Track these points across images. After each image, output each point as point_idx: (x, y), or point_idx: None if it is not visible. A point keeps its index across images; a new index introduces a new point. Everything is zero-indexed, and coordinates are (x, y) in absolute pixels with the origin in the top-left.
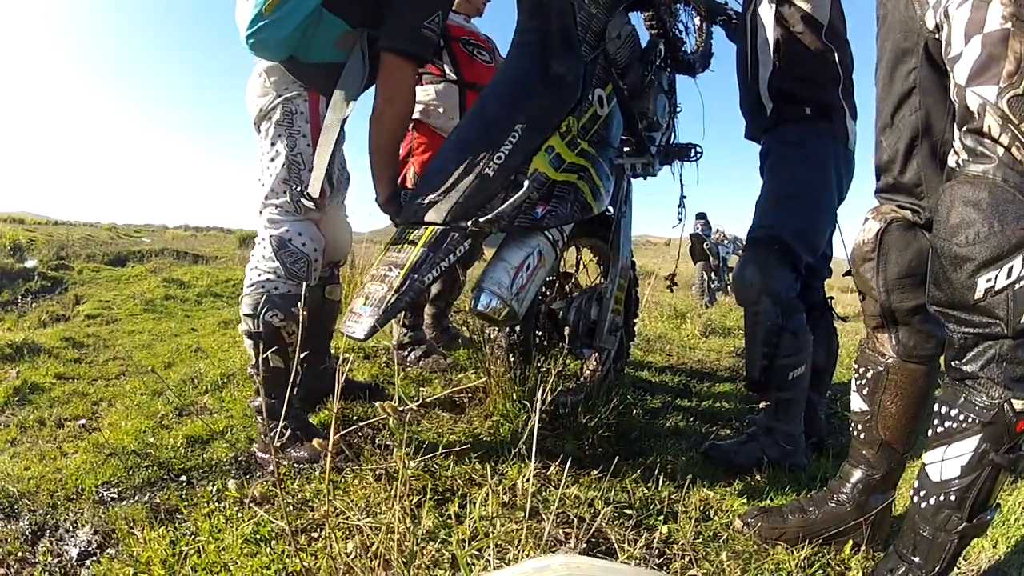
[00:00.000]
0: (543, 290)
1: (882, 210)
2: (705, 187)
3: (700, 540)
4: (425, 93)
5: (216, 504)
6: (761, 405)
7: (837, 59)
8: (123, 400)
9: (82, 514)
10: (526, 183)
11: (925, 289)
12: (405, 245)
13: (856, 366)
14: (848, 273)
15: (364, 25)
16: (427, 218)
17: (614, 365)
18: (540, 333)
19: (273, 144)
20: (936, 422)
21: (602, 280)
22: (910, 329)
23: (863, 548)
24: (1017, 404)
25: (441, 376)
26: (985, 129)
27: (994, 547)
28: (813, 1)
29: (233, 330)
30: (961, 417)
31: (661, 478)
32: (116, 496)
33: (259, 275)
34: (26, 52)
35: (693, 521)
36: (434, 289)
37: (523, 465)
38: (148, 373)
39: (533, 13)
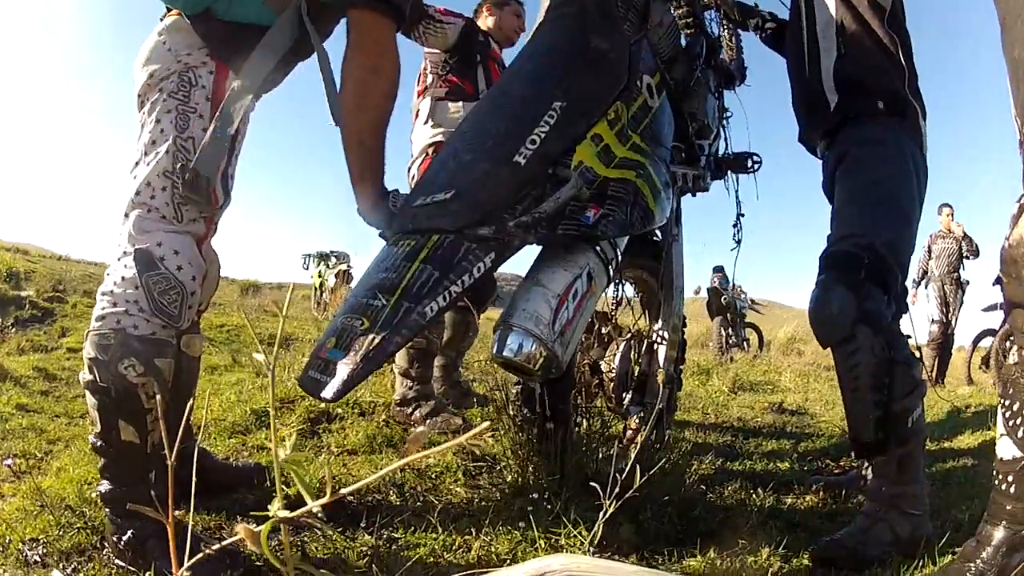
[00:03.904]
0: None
1: None
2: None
3: None
4: (456, 111)
5: None
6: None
7: (901, 50)
8: (79, 442)
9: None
10: (573, 176)
11: None
12: (397, 262)
13: (1003, 400)
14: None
15: None
16: (431, 224)
17: (662, 425)
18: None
19: (159, 122)
20: None
21: (649, 321)
22: None
23: None
24: None
25: (452, 439)
26: None
27: None
28: None
29: (219, 376)
30: None
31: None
32: (39, 559)
33: (113, 305)
34: (47, 81)
35: None
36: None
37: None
38: None
39: None
